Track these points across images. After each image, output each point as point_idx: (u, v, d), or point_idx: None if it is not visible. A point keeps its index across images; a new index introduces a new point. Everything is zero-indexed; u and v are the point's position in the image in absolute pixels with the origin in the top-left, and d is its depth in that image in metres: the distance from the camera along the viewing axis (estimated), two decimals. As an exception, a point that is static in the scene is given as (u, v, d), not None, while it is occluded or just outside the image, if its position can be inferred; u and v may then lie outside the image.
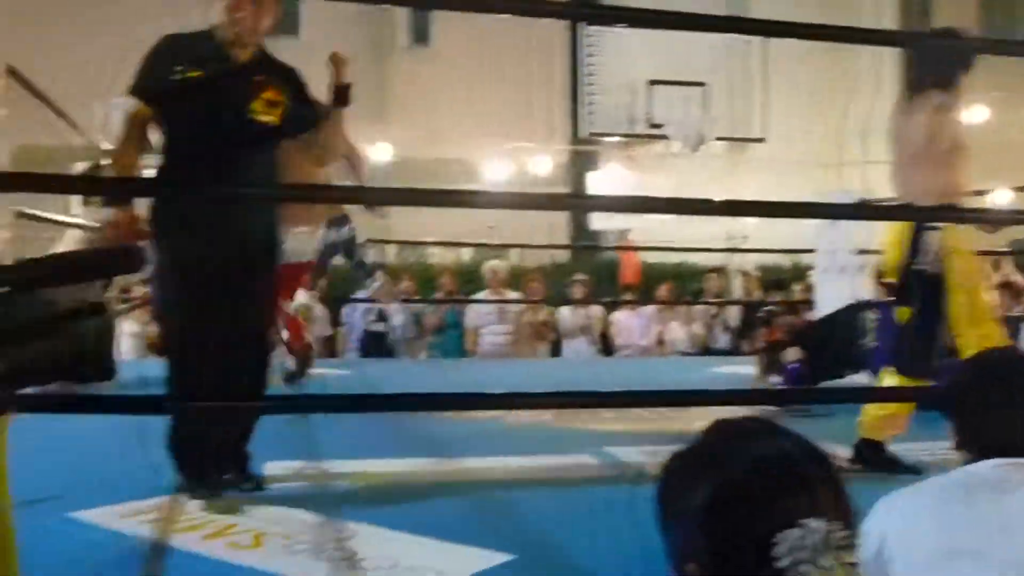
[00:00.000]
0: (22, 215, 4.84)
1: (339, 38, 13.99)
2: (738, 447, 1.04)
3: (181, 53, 3.19)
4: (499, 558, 2.52)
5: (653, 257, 11.93)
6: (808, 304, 7.77)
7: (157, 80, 3.15)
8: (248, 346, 3.19)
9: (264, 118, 3.21)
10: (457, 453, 4.04)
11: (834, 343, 5.67)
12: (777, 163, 13.04)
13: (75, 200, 5.91)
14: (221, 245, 3.09)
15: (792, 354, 5.70)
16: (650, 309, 9.55)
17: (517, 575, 2.46)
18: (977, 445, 1.73)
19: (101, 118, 5.35)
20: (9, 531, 1.13)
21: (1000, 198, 10.29)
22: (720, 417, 1.12)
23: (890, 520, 1.66)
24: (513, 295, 8.76)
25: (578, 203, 9.04)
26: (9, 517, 1.12)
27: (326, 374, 6.31)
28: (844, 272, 7.00)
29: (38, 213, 5.04)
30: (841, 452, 4.05)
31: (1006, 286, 8.87)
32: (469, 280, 9.96)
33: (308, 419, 4.26)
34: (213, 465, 3.19)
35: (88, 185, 4.28)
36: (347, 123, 3.60)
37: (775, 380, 5.80)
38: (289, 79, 3.31)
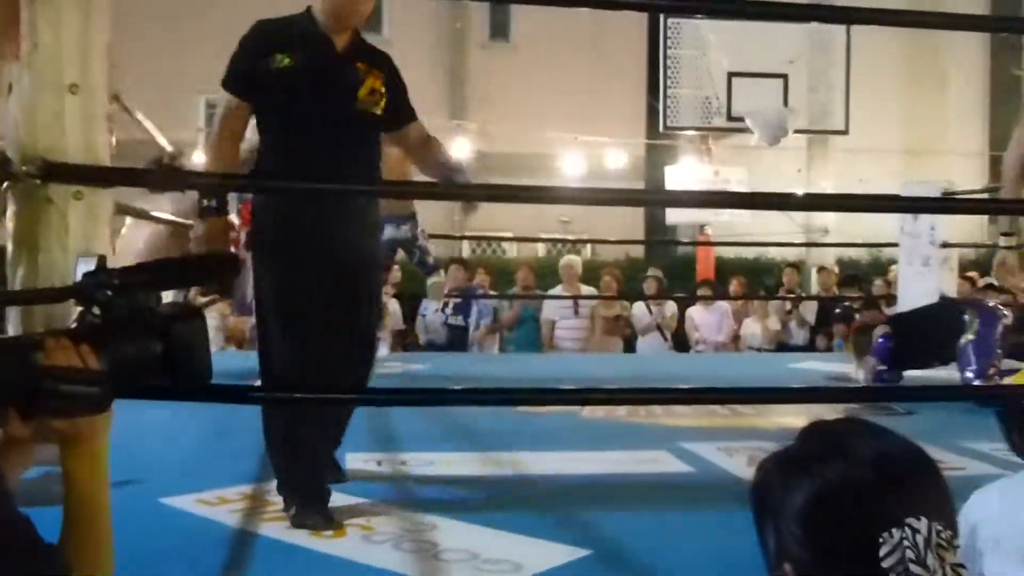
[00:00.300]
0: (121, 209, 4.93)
1: (420, 34, 14.18)
2: (837, 448, 1.04)
3: (276, 40, 2.93)
4: (577, 553, 2.54)
5: (729, 252, 11.83)
6: (889, 299, 7.63)
7: (252, 71, 2.90)
8: (357, 345, 3.02)
9: (372, 109, 2.98)
10: (533, 447, 4.06)
11: (929, 334, 5.61)
12: (858, 154, 12.83)
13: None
14: (332, 243, 2.88)
15: (881, 329, 5.68)
16: (725, 304, 9.44)
17: (593, 571, 2.47)
18: None
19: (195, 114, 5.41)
20: (109, 529, 1.18)
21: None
22: (817, 419, 1.13)
23: (984, 512, 1.67)
24: (588, 290, 8.74)
25: (655, 198, 8.94)
26: (108, 513, 1.18)
27: (403, 368, 6.40)
28: (928, 266, 6.86)
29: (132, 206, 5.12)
30: (940, 454, 3.98)
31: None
32: (545, 275, 9.99)
33: (385, 412, 4.32)
34: (319, 469, 2.98)
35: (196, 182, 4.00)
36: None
37: (870, 360, 5.75)
38: (386, 67, 3.07)
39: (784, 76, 9.86)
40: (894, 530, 0.95)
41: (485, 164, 13.84)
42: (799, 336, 9.42)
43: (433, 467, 3.64)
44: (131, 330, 1.17)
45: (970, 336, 5.28)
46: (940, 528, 0.96)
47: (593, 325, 8.63)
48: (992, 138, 14.07)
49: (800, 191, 10.74)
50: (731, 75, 9.77)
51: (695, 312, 9.47)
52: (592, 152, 12.69)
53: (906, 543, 0.94)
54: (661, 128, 10.45)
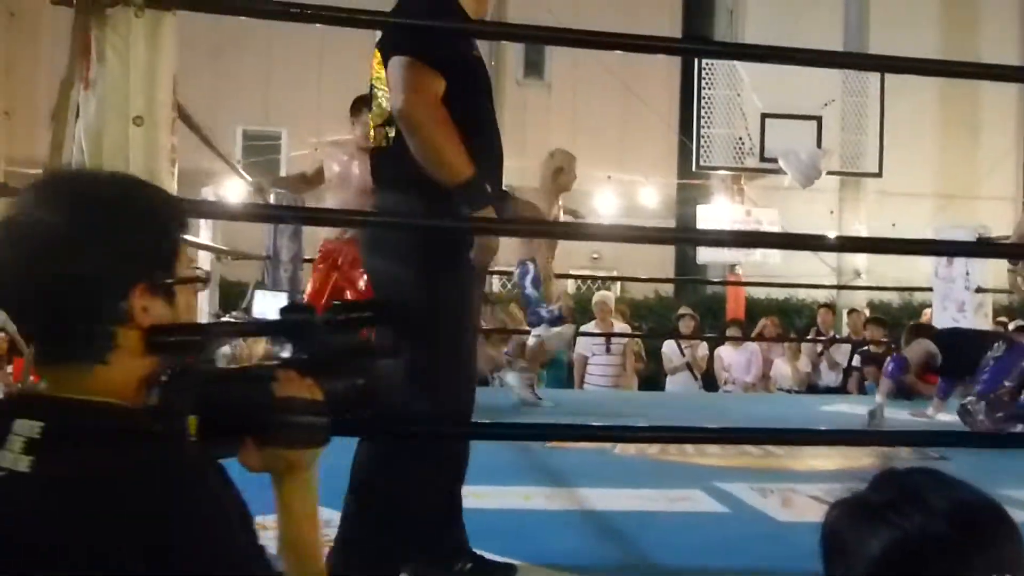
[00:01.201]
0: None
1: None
2: (915, 498, 1.03)
3: (454, 20, 2.56)
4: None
5: (759, 292, 11.82)
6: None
7: (450, 49, 2.50)
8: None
9: None
10: (569, 483, 4.07)
11: (965, 349, 5.93)
12: (890, 197, 12.81)
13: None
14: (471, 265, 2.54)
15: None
16: (754, 345, 9.43)
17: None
18: None
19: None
20: (322, 556, 1.26)
21: None
22: (889, 466, 1.13)
23: None
24: (621, 327, 8.78)
25: (686, 236, 8.97)
26: (321, 539, 1.25)
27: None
28: (963, 311, 6.85)
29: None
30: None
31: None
32: (575, 311, 10.00)
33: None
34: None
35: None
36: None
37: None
38: None
39: (818, 118, 9.89)
40: None
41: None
42: (830, 378, 9.39)
43: (469, 500, 3.65)
44: (341, 365, 1.23)
45: (993, 355, 5.36)
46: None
47: (624, 362, 8.66)
48: (1024, 186, 14.04)
49: (832, 233, 10.73)
50: (765, 116, 9.82)
51: (724, 352, 9.46)
52: (625, 190, 12.74)
53: None
54: (694, 167, 10.50)
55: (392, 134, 2.48)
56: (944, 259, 7.26)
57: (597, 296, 8.81)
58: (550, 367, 8.63)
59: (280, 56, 12.62)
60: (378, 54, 2.52)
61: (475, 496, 3.64)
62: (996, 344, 5.71)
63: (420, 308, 2.35)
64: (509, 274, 8.08)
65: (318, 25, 2.83)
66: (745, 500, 3.83)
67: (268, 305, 6.07)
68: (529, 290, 6.04)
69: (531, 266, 5.96)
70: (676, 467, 4.58)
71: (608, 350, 8.50)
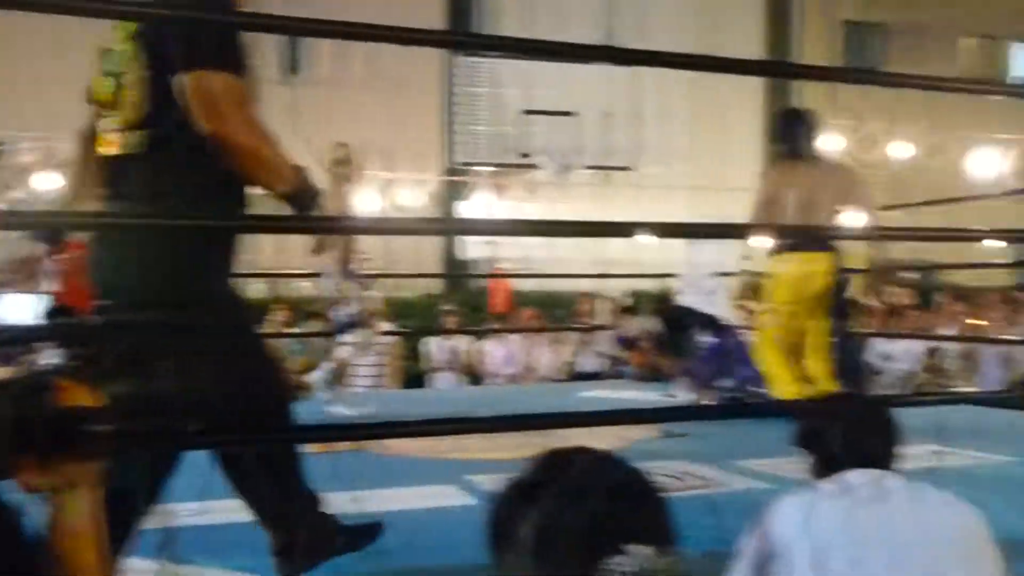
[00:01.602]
0: None
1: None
2: (565, 477, 1.05)
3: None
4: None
5: (524, 285, 12.03)
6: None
7: (246, 57, 2.42)
8: None
9: None
10: (318, 489, 3.94)
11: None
12: (646, 191, 13.35)
13: None
14: None
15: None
16: (517, 337, 9.59)
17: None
18: (836, 463, 1.99)
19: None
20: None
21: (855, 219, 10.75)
22: (551, 449, 1.13)
23: (780, 523, 1.86)
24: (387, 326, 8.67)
25: (452, 227, 8.97)
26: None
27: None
28: (707, 294, 7.19)
29: None
30: (708, 472, 4.15)
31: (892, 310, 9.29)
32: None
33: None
34: None
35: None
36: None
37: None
38: None
39: (575, 114, 10.16)
40: (616, 557, 0.95)
41: (275, 200, 13.57)
42: (593, 365, 9.67)
43: (202, 515, 3.45)
44: (122, 370, 1.10)
45: (706, 339, 5.70)
46: (655, 553, 0.97)
47: (390, 363, 8.58)
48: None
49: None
50: (523, 112, 9.99)
51: (488, 345, 9.57)
52: (389, 189, 12.64)
53: (623, 570, 0.95)
54: (454, 164, 10.54)
55: (146, 140, 2.34)
56: (693, 247, 7.61)
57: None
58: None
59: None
60: (131, 46, 2.35)
61: (205, 512, 3.48)
62: (711, 327, 6.04)
63: (199, 313, 2.27)
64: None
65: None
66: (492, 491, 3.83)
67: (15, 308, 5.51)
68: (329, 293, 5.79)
69: (329, 267, 5.71)
70: (431, 464, 4.55)
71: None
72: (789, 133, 5.08)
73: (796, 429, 2.16)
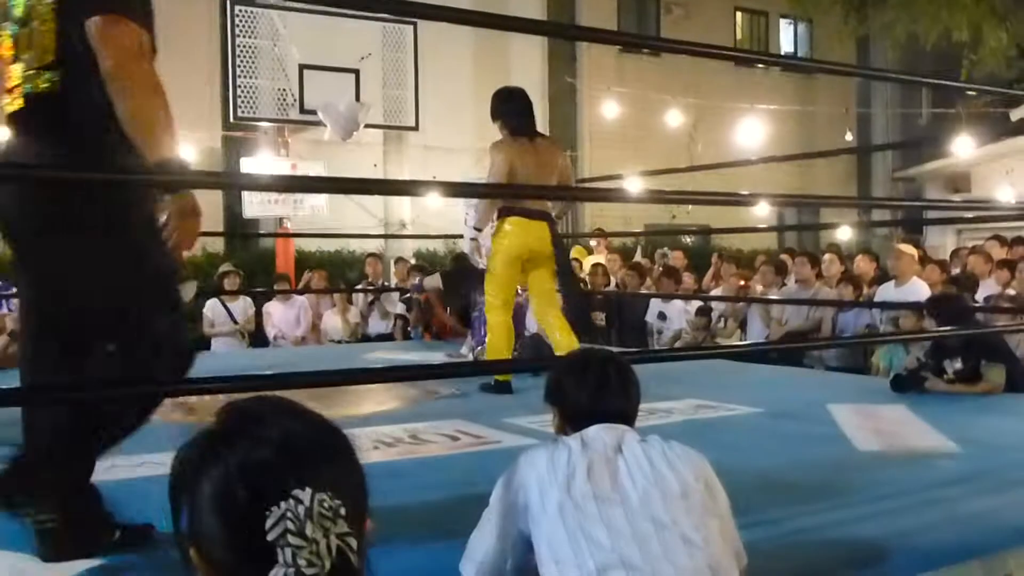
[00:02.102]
0: None
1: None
2: (241, 429, 1.02)
3: None
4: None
5: (310, 245, 11.79)
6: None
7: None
8: None
9: None
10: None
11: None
12: (432, 152, 13.33)
13: None
14: None
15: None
16: (303, 299, 9.39)
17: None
18: (579, 418, 2.05)
19: None
20: None
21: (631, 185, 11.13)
22: (233, 401, 1.09)
23: (530, 472, 1.91)
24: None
25: (235, 182, 8.56)
26: None
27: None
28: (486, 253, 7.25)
29: None
30: (481, 430, 4.18)
31: (669, 272, 9.62)
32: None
33: None
34: None
35: None
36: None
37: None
38: None
39: (356, 71, 9.96)
40: (281, 503, 0.94)
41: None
42: (380, 327, 9.60)
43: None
44: None
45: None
46: (325, 499, 0.95)
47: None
48: (551, 140, 15.28)
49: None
50: (303, 67, 9.70)
51: (272, 307, 9.32)
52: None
53: (288, 515, 0.93)
54: (232, 119, 10.13)
55: (56, 79, 2.34)
56: (472, 209, 7.63)
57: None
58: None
59: None
60: None
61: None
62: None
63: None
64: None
65: None
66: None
67: None
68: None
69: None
70: (177, 428, 4.36)
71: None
72: (515, 111, 5.53)
73: (545, 385, 2.20)
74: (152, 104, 2.34)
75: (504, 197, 5.43)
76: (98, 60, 2.27)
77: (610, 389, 2.08)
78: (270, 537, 0.93)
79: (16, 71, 2.41)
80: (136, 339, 2.44)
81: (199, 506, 0.98)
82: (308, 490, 0.95)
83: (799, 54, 18.91)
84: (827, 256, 8.76)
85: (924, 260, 8.14)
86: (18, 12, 2.41)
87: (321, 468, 0.99)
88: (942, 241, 14.41)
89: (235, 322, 8.94)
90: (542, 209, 5.36)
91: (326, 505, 0.95)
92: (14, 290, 7.52)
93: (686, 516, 1.83)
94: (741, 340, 8.44)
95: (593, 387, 2.07)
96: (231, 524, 0.96)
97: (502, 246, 5.37)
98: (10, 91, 2.43)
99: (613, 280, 10.07)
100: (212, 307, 8.97)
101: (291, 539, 0.93)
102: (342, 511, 0.96)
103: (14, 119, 2.45)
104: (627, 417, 2.07)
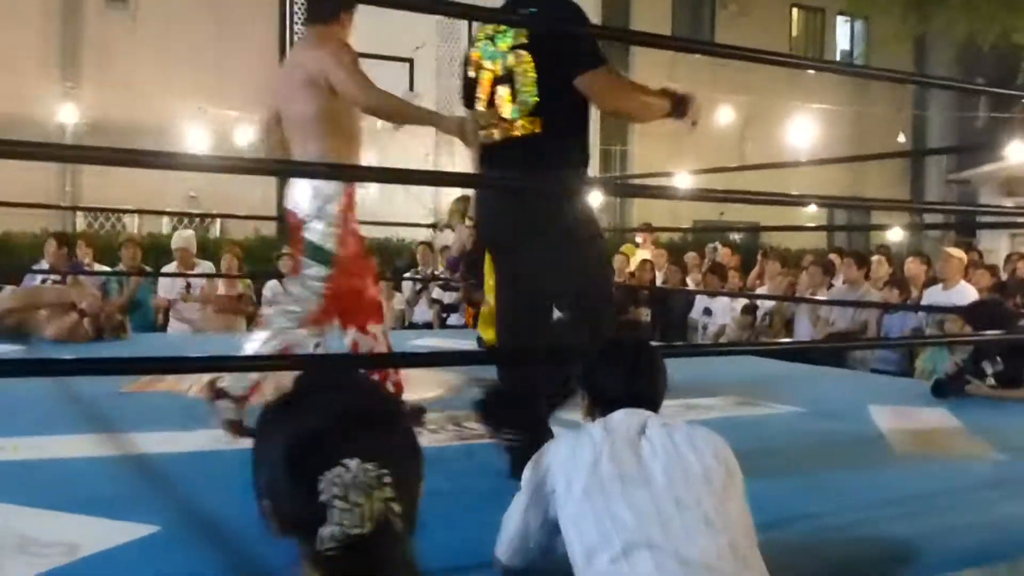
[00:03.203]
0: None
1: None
2: (306, 400, 1.16)
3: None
4: (141, 531, 2.44)
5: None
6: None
7: None
8: None
9: None
10: (129, 427, 3.87)
11: None
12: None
13: None
14: None
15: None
16: (351, 283, 9.51)
17: (154, 548, 2.38)
18: (608, 403, 2.13)
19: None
20: None
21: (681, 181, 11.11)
22: (301, 375, 1.26)
23: (555, 458, 1.99)
24: (207, 267, 8.44)
25: (282, 168, 8.69)
26: None
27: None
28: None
29: None
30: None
31: (714, 269, 9.64)
32: (167, 251, 9.54)
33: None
34: None
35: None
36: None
37: None
38: None
39: (410, 61, 10.07)
40: (332, 470, 1.08)
41: (100, 133, 12.94)
42: (428, 315, 9.70)
43: (2, 453, 3.35)
44: None
45: None
46: (370, 468, 1.08)
47: (214, 304, 8.36)
48: (601, 137, 15.30)
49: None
50: (358, 56, 9.82)
51: (322, 292, 9.47)
52: (218, 128, 12.26)
53: (337, 480, 1.07)
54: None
55: (539, 123, 3.07)
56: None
57: (177, 237, 8.39)
58: (135, 310, 8.15)
59: None
60: (527, 54, 3.05)
61: (13, 448, 3.38)
62: None
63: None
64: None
65: None
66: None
67: None
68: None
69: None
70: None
71: (189, 291, 8.15)
72: None
73: (576, 373, 2.29)
74: (641, 103, 3.19)
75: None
76: (597, 105, 3.12)
77: (640, 375, 2.16)
78: (322, 499, 1.07)
79: (504, 113, 3.10)
80: (587, 316, 3.18)
81: (271, 465, 1.12)
82: (356, 460, 1.08)
83: (856, 52, 18.72)
84: (875, 258, 8.71)
85: (975, 264, 8.08)
86: (499, 71, 3.12)
87: (370, 439, 1.11)
88: (996, 245, 14.23)
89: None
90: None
91: (372, 474, 1.08)
92: (86, 267, 7.77)
93: (708, 497, 1.89)
94: (787, 339, 8.43)
95: (625, 373, 2.15)
96: (293, 484, 1.10)
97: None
98: (497, 128, 3.12)
99: (659, 276, 10.09)
100: (273, 289, 9.13)
101: (338, 503, 1.07)
102: (386, 479, 1.09)
103: (499, 150, 3.12)
104: (653, 403, 2.14)
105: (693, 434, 2.01)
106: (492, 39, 3.18)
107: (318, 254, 3.63)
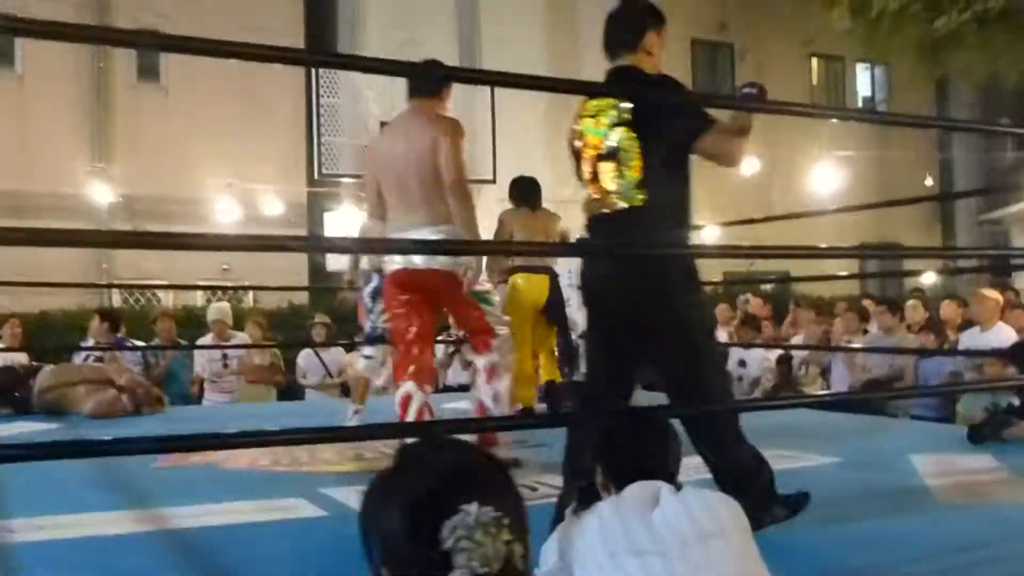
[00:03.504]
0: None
1: (58, 70, 13.31)
2: (413, 463, 1.24)
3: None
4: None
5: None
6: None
7: None
8: None
9: None
10: (164, 502, 3.89)
11: None
12: (506, 205, 13.48)
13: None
14: None
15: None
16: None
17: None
18: (623, 477, 2.11)
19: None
20: None
21: (708, 234, 11.11)
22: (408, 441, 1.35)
23: (566, 548, 1.99)
24: (243, 338, 8.51)
25: (315, 245, 8.88)
26: None
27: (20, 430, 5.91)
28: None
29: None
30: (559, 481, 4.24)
31: (747, 320, 9.59)
32: (200, 324, 9.65)
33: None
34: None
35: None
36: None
37: None
38: None
39: (434, 126, 10.17)
40: (453, 517, 1.12)
41: (132, 209, 13.18)
42: (462, 377, 9.68)
43: (45, 530, 3.37)
44: None
45: None
46: (489, 510, 1.13)
47: (247, 375, 8.42)
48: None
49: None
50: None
51: (354, 358, 9.49)
52: (248, 198, 12.44)
53: (460, 524, 1.11)
54: (316, 175, 10.44)
55: (645, 195, 3.20)
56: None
57: (212, 309, 8.48)
58: (171, 383, 8.22)
59: None
60: (628, 130, 3.20)
61: (51, 528, 3.40)
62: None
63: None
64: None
65: None
66: (346, 503, 3.83)
67: None
68: (367, 302, 5.68)
69: (375, 276, 5.51)
70: (283, 477, 4.53)
71: (225, 365, 8.21)
72: (525, 195, 6.80)
73: (591, 449, 2.27)
74: (742, 151, 3.31)
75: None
76: (722, 163, 3.27)
77: (654, 450, 2.16)
78: (446, 546, 1.11)
79: (609, 187, 3.26)
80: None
81: (386, 532, 1.16)
82: (475, 503, 1.13)
83: (877, 97, 18.74)
84: (911, 302, 8.64)
85: (1011, 304, 7.98)
86: (603, 148, 3.28)
87: (482, 487, 1.17)
88: (1031, 285, 14.04)
89: (330, 374, 9.12)
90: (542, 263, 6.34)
91: (491, 515, 1.12)
92: (132, 344, 7.87)
93: (726, 558, 1.88)
94: (823, 387, 8.35)
95: (637, 448, 2.16)
96: (415, 541, 1.13)
97: (512, 303, 6.18)
98: (603, 198, 3.28)
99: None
100: (306, 358, 9.20)
101: (463, 543, 1.10)
102: (505, 521, 1.14)
103: (606, 222, 3.28)
104: (670, 474, 2.13)
105: (706, 497, 2.01)
106: (595, 116, 3.32)
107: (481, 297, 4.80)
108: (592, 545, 1.92)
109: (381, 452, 5.02)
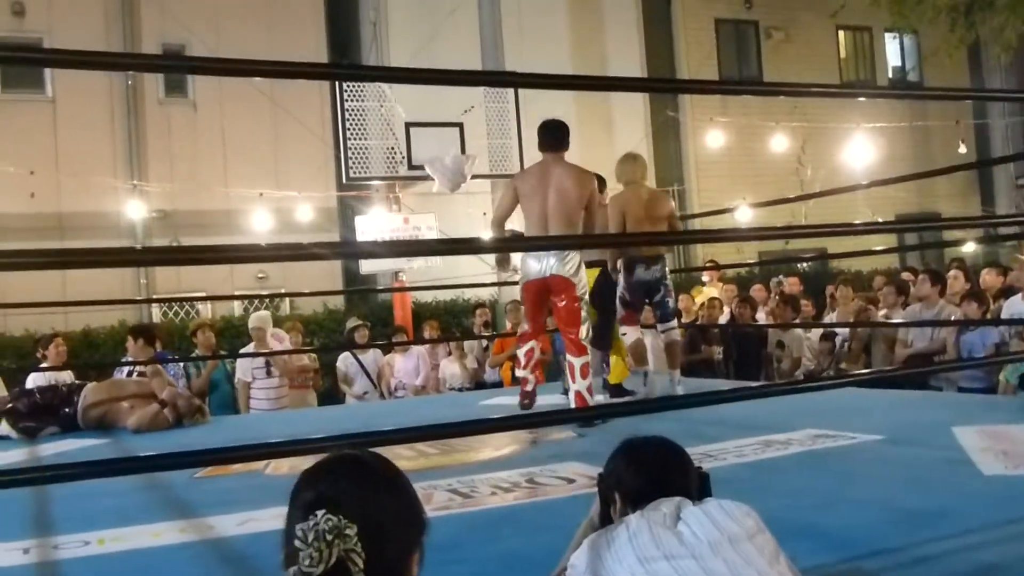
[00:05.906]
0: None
1: (88, 90, 13.49)
2: (308, 472, 1.44)
3: None
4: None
5: (426, 296, 12.05)
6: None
7: None
8: None
9: None
10: (207, 511, 3.92)
11: None
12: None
13: None
14: None
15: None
16: (420, 349, 9.60)
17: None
18: (640, 501, 2.09)
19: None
20: None
21: (742, 215, 11.06)
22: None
23: (595, 560, 1.98)
24: (283, 345, 8.59)
25: (351, 251, 8.92)
26: None
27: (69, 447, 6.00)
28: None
29: None
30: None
31: (786, 300, 9.52)
32: (241, 334, 9.75)
33: (47, 493, 4.02)
34: None
35: None
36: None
37: None
38: None
39: (460, 124, 10.21)
40: (306, 521, 1.31)
41: (168, 224, 13.33)
42: (494, 374, 9.71)
43: (88, 547, 3.42)
44: None
45: None
46: (332, 519, 1.31)
47: (290, 381, 8.50)
48: (656, 176, 15.29)
49: (488, 234, 11.09)
50: (409, 125, 10.01)
51: (392, 359, 9.56)
52: (280, 206, 12.55)
53: (306, 529, 1.30)
54: (345, 179, 10.50)
55: None
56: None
57: (253, 318, 8.57)
58: (213, 392, 8.32)
59: None
60: None
61: (96, 542, 3.45)
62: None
63: None
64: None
65: None
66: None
67: None
68: (667, 281, 6.56)
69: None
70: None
71: (269, 372, 8.30)
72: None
73: (601, 473, 2.25)
74: None
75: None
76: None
77: (669, 473, 2.13)
78: (296, 545, 1.29)
79: None
80: None
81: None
82: (325, 512, 1.30)
83: (907, 67, 18.48)
84: (952, 272, 8.52)
85: (1052, 270, 7.84)
86: None
87: (344, 499, 1.34)
88: (1075, 247, 13.77)
89: (369, 377, 9.20)
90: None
91: (332, 524, 1.29)
92: (172, 356, 7.99)
93: (758, 556, 1.88)
94: (866, 363, 8.26)
95: (651, 474, 2.12)
96: (288, 540, 1.33)
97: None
98: None
99: (728, 311, 9.98)
100: (345, 361, 9.27)
101: (300, 545, 1.28)
102: (348, 531, 1.30)
103: None
104: (686, 494, 2.09)
105: (725, 505, 2.00)
106: None
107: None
108: (622, 554, 1.92)
109: (418, 451, 5.04)
